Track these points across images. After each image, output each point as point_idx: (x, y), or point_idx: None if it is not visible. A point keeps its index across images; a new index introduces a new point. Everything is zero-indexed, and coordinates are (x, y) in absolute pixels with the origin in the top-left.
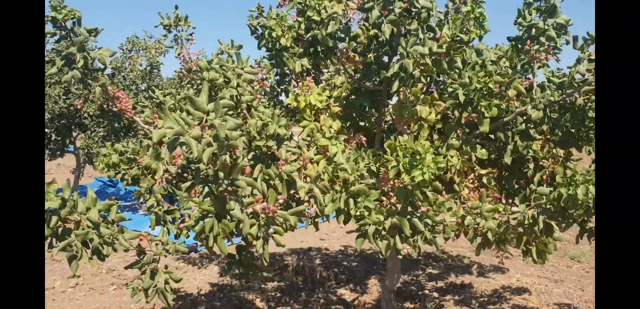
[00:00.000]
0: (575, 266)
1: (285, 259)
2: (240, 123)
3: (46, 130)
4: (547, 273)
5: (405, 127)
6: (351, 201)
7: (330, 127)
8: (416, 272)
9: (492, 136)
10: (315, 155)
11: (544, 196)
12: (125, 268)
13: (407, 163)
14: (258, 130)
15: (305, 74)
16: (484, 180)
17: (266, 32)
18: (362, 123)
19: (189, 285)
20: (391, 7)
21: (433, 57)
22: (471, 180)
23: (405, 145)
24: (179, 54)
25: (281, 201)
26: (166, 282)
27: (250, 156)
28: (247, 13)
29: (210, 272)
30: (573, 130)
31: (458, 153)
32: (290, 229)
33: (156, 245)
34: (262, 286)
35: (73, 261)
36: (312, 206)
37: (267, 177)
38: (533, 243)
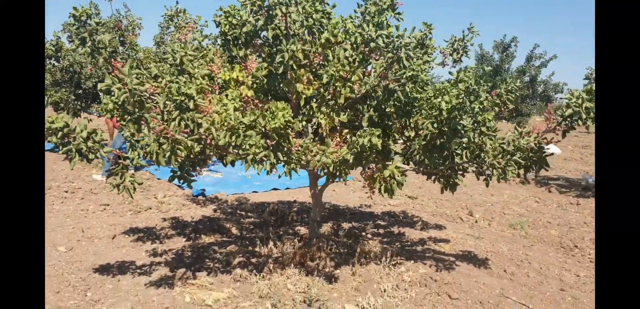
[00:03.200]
0: (510, 232)
1: (269, 206)
2: (143, 81)
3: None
4: (475, 232)
5: (294, 97)
6: (234, 137)
7: (245, 94)
8: (367, 222)
9: (359, 107)
10: (219, 109)
11: (353, 145)
12: (106, 172)
13: (269, 116)
14: (176, 89)
15: (243, 59)
16: (346, 136)
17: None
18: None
19: (188, 216)
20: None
21: (303, 52)
22: (337, 136)
23: (270, 107)
24: (177, 38)
25: (187, 132)
26: (131, 181)
27: (174, 106)
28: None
29: (207, 210)
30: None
31: (325, 117)
32: (189, 151)
33: (125, 159)
34: (241, 220)
35: (71, 161)
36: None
37: (183, 118)
38: (378, 181)
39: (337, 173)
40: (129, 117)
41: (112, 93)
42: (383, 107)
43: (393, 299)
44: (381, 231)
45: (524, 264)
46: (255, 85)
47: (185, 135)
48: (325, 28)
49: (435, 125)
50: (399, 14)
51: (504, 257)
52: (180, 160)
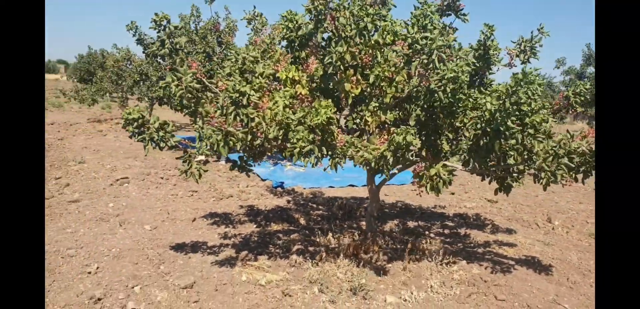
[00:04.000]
0: (587, 241)
1: (340, 200)
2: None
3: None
4: (548, 239)
5: (343, 96)
6: (282, 131)
7: (301, 92)
8: (435, 222)
9: (407, 106)
10: (272, 105)
11: (391, 142)
12: (177, 158)
13: (313, 112)
14: (232, 87)
15: (305, 59)
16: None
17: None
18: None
19: (263, 205)
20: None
21: (351, 54)
22: (384, 134)
23: (315, 106)
24: (254, 40)
25: (241, 126)
26: (197, 168)
27: (229, 101)
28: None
29: (282, 201)
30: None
31: (372, 115)
32: (243, 142)
33: (192, 149)
34: (310, 212)
35: (145, 147)
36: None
37: (238, 114)
38: (425, 179)
39: (379, 169)
40: (186, 110)
41: (170, 89)
42: (426, 106)
43: (436, 294)
44: (447, 231)
45: (590, 274)
46: (311, 84)
47: (240, 129)
48: (376, 30)
49: (478, 125)
50: (464, 15)
51: (571, 265)
52: (237, 150)
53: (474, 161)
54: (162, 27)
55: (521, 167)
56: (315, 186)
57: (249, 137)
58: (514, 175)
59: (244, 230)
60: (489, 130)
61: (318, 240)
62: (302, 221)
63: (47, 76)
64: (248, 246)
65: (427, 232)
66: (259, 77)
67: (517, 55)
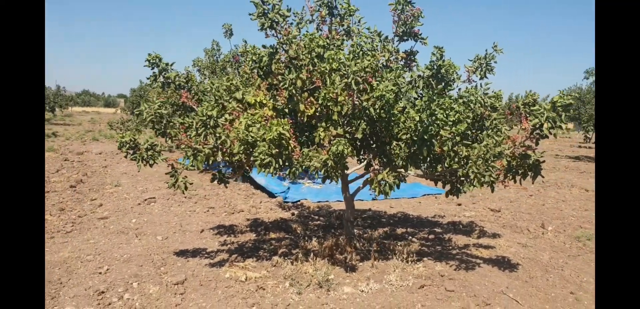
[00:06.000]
0: (571, 244)
1: (340, 211)
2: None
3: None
4: (530, 242)
5: (300, 115)
6: (243, 147)
7: (265, 114)
8: (424, 228)
9: (354, 122)
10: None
11: (329, 152)
12: (166, 174)
13: (267, 130)
14: (201, 111)
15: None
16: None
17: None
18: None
19: (267, 218)
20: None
21: (301, 80)
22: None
23: (270, 124)
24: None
25: (211, 144)
26: (183, 182)
27: (200, 123)
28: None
29: (287, 214)
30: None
31: (323, 130)
32: (208, 158)
33: (178, 164)
34: (309, 223)
35: (138, 164)
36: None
37: (207, 133)
38: (374, 184)
39: (328, 175)
40: (158, 131)
41: (142, 114)
42: (369, 121)
43: (390, 286)
44: (432, 236)
45: (553, 271)
46: (276, 107)
47: (207, 145)
48: (325, 59)
49: (407, 136)
50: (423, 38)
51: (538, 264)
52: (209, 164)
53: (411, 166)
54: (155, 65)
55: (461, 172)
56: (323, 201)
57: (212, 153)
58: (462, 179)
59: (243, 238)
60: (415, 139)
61: (304, 244)
62: (299, 230)
63: (105, 110)
64: (241, 251)
65: (410, 237)
66: (232, 102)
67: (474, 72)
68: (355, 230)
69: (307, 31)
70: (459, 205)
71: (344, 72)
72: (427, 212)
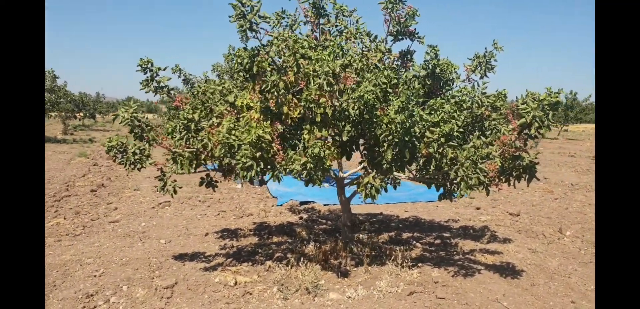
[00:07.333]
0: (588, 250)
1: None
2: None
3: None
4: (543, 248)
5: (284, 117)
6: (224, 149)
7: (253, 117)
8: (431, 233)
9: (339, 123)
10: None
11: (308, 154)
12: (156, 177)
13: (247, 132)
14: (183, 115)
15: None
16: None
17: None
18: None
19: (273, 222)
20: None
21: (283, 83)
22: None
23: (251, 127)
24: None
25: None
26: (172, 186)
27: (182, 126)
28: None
29: (295, 218)
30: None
31: (307, 133)
32: (190, 161)
33: (167, 168)
34: (314, 227)
35: (126, 167)
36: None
37: (189, 137)
38: (361, 187)
39: (310, 178)
40: (134, 133)
41: (120, 117)
42: (354, 122)
43: (378, 292)
44: (438, 241)
45: (559, 278)
46: (263, 109)
47: (188, 149)
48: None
49: (390, 137)
50: (419, 37)
51: (544, 271)
52: (187, 169)
53: (396, 169)
54: (147, 69)
55: (452, 174)
56: (332, 204)
57: (194, 156)
58: (454, 182)
59: (245, 242)
60: (397, 140)
61: (301, 248)
62: (304, 234)
63: (148, 115)
64: (239, 255)
65: (414, 242)
66: (222, 104)
67: (473, 71)
68: (359, 235)
69: (300, 33)
70: (478, 208)
71: (316, 73)
72: (442, 216)
